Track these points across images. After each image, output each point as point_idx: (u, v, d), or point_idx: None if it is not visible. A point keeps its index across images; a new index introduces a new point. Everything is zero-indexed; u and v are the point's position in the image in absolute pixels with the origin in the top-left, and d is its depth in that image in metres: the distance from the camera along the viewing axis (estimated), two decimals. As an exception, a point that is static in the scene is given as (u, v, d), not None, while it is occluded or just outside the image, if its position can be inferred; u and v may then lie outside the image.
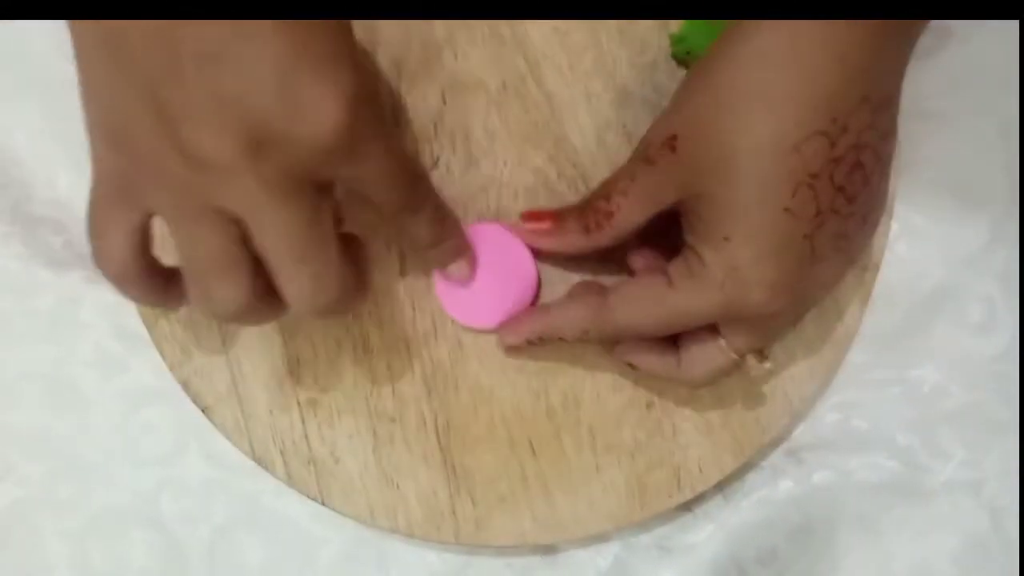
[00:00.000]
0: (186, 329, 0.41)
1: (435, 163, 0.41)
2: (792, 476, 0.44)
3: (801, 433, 0.44)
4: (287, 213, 0.28)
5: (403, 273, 0.41)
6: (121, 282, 0.31)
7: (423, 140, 0.41)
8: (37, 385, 0.45)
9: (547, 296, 0.41)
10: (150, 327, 0.41)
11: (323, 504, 0.41)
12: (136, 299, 0.33)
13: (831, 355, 0.41)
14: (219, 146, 0.27)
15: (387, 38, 0.41)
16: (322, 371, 0.41)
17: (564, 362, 0.41)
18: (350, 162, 0.29)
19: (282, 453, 0.41)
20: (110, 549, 0.44)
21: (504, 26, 0.41)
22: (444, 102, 0.41)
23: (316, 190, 0.29)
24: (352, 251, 0.33)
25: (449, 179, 0.41)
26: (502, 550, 0.43)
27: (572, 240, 0.37)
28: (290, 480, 0.41)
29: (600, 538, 0.43)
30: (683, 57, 0.40)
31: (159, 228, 0.31)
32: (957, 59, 0.45)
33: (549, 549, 0.44)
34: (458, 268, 0.38)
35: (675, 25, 0.41)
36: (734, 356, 0.35)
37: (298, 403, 0.41)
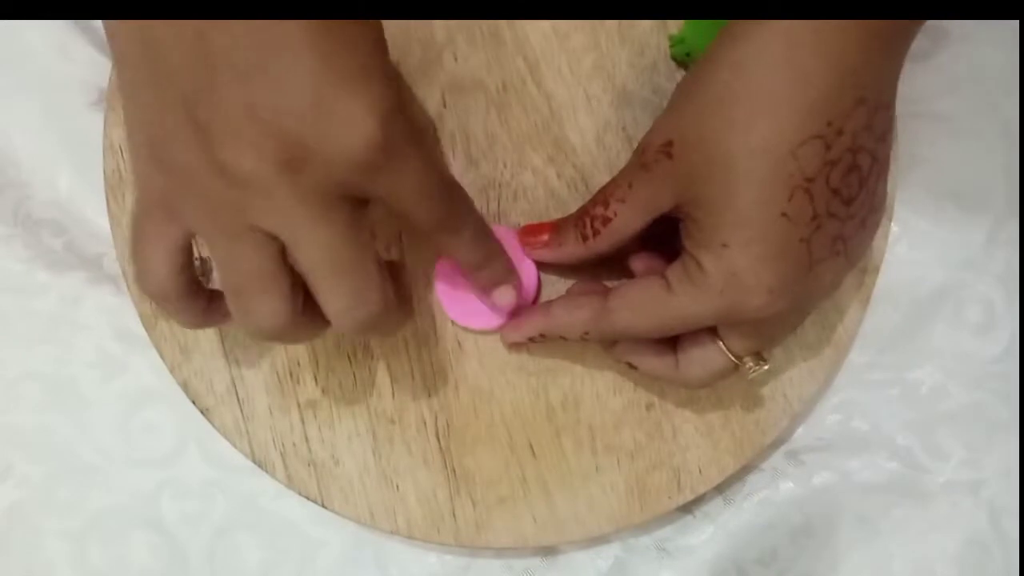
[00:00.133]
0: (185, 330, 0.41)
1: (435, 164, 0.41)
2: (792, 477, 0.44)
3: (801, 434, 0.44)
4: (324, 228, 0.28)
5: (403, 274, 0.41)
6: (161, 300, 0.32)
7: (423, 141, 0.41)
8: (37, 385, 0.45)
9: (547, 298, 0.41)
10: (150, 328, 0.41)
11: (323, 505, 0.41)
12: (177, 317, 0.33)
13: (831, 356, 0.41)
14: (254, 162, 0.27)
15: (387, 39, 0.40)
16: (322, 373, 0.41)
17: (564, 363, 0.41)
18: (386, 177, 0.29)
19: (282, 454, 0.41)
20: (110, 550, 0.44)
21: (504, 28, 0.41)
22: (444, 103, 0.41)
23: (353, 205, 0.29)
24: (393, 272, 0.33)
25: (449, 180, 0.41)
26: (502, 551, 0.43)
27: (571, 250, 0.37)
28: (290, 481, 0.41)
29: (600, 539, 0.43)
30: (682, 58, 0.40)
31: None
32: (957, 60, 0.45)
33: (549, 550, 0.44)
34: (502, 294, 0.37)
35: (674, 26, 0.41)
36: (732, 359, 0.35)
37: (298, 404, 0.41)
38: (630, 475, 0.40)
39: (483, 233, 0.35)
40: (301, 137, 0.27)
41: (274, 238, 0.29)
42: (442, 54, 0.41)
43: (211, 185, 0.28)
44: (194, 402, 0.41)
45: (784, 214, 0.30)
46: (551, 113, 0.41)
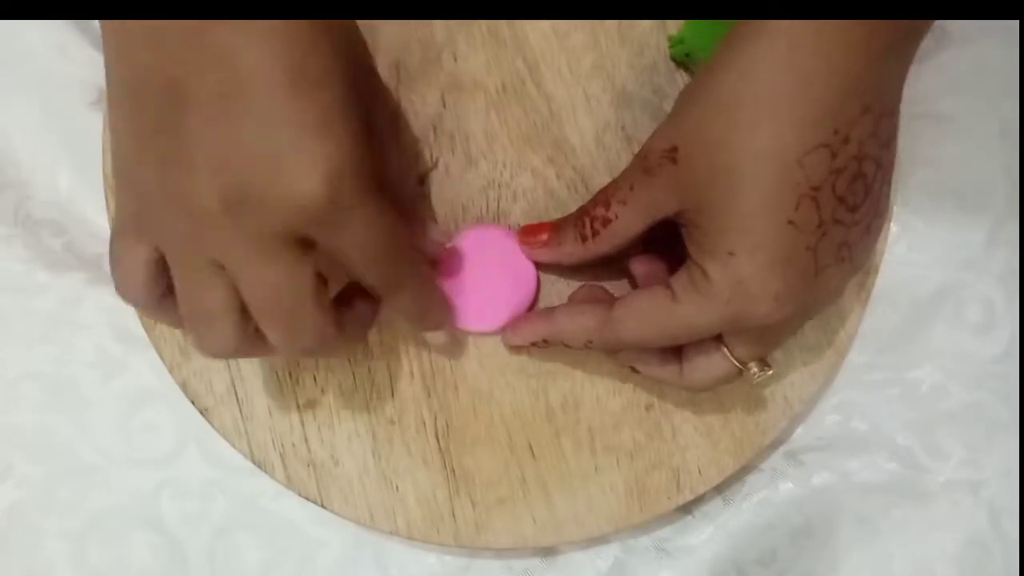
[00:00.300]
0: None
1: (434, 165, 0.41)
2: (792, 477, 0.44)
3: (801, 434, 0.44)
4: (264, 269, 0.29)
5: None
6: (139, 307, 0.33)
7: (422, 142, 0.41)
8: (37, 385, 0.45)
9: (546, 298, 0.41)
10: (149, 328, 0.41)
11: (322, 506, 0.41)
12: (158, 321, 0.34)
13: (831, 356, 0.41)
14: (205, 198, 0.28)
15: (387, 40, 0.41)
16: (321, 373, 0.41)
17: (564, 364, 0.41)
18: (327, 231, 0.29)
19: (281, 455, 0.41)
20: (110, 550, 0.44)
21: (503, 28, 0.41)
22: (443, 104, 0.41)
23: (299, 247, 0.29)
24: (357, 296, 0.34)
25: (448, 181, 0.41)
26: (501, 552, 0.43)
27: (570, 251, 0.37)
28: (289, 482, 0.41)
29: (599, 540, 0.43)
30: (682, 59, 0.40)
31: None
32: (957, 61, 0.45)
33: (548, 551, 0.44)
34: (433, 337, 0.40)
35: (674, 27, 0.41)
36: (737, 365, 0.35)
37: (297, 405, 0.41)
38: (629, 475, 0.40)
39: (422, 289, 0.35)
40: (250, 181, 0.28)
41: (226, 269, 0.30)
42: (442, 54, 0.41)
43: (170, 214, 0.29)
44: (193, 402, 0.41)
45: (790, 222, 0.30)
46: (551, 113, 0.41)
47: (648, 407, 0.40)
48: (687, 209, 0.32)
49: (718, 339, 0.35)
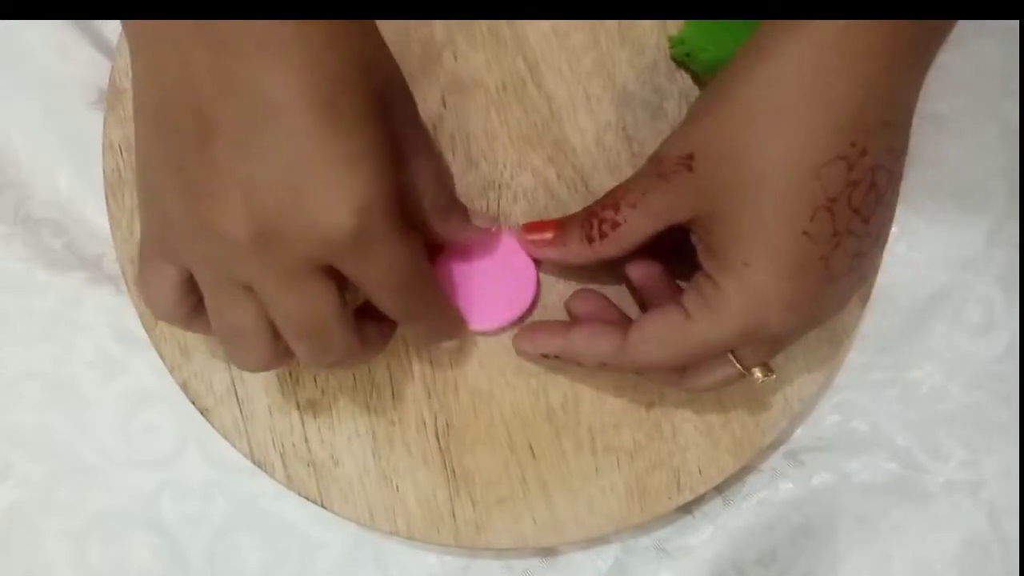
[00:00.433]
0: (186, 331, 0.41)
1: (435, 165, 0.41)
2: (792, 478, 0.44)
3: (801, 435, 0.44)
4: (289, 296, 0.30)
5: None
6: (170, 323, 0.34)
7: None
8: (37, 385, 0.45)
9: (546, 298, 0.41)
10: (149, 328, 0.41)
11: (322, 506, 0.41)
12: (192, 332, 0.34)
13: (831, 357, 0.41)
14: (231, 226, 0.28)
15: (387, 39, 0.40)
16: (321, 373, 0.41)
17: (564, 364, 0.40)
18: (352, 263, 0.29)
19: (281, 455, 0.41)
20: (110, 550, 0.44)
21: (504, 27, 0.41)
22: (444, 104, 0.41)
23: (324, 275, 0.30)
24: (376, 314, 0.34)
25: (449, 181, 0.41)
26: (501, 552, 0.43)
27: (575, 251, 0.37)
28: (289, 482, 0.41)
29: (600, 540, 0.43)
30: (682, 58, 0.40)
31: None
32: (958, 61, 0.45)
33: (549, 551, 0.44)
34: (446, 347, 0.40)
35: (674, 26, 0.41)
36: (742, 370, 0.34)
37: (297, 405, 0.41)
38: (630, 475, 0.40)
39: (440, 319, 0.36)
40: (278, 213, 0.28)
41: (255, 292, 0.30)
42: (442, 54, 0.41)
43: (196, 240, 0.29)
44: (193, 402, 0.41)
45: (806, 232, 0.30)
46: (551, 113, 0.41)
47: (648, 407, 0.40)
48: (700, 216, 0.32)
49: None
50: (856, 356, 0.44)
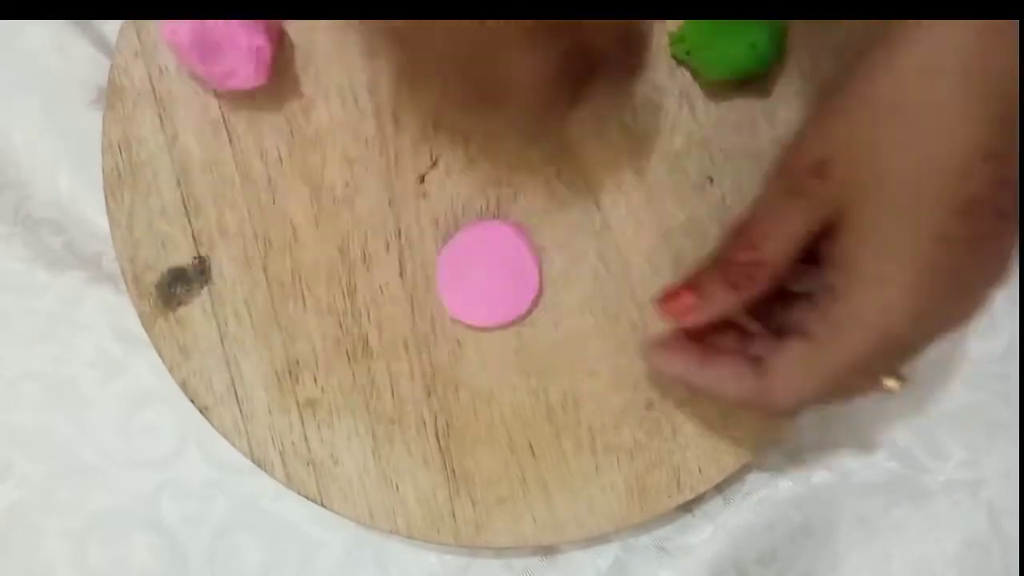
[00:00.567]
0: (184, 330, 0.41)
1: (434, 163, 0.41)
2: (792, 477, 0.44)
3: (801, 434, 0.44)
4: None
5: (403, 273, 0.41)
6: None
7: (422, 140, 0.41)
8: (37, 385, 0.45)
9: (548, 297, 0.40)
10: (149, 328, 0.41)
11: (322, 505, 0.41)
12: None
13: (831, 356, 0.41)
14: None
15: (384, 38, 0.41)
16: (321, 372, 0.41)
17: (564, 364, 0.41)
18: None
19: (281, 454, 0.41)
20: (110, 550, 0.44)
21: (503, 27, 0.41)
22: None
23: None
24: None
25: (449, 179, 0.41)
26: (501, 551, 0.43)
27: (724, 304, 0.33)
28: (289, 481, 0.41)
29: (600, 539, 0.43)
30: (682, 57, 0.40)
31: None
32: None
33: (549, 550, 0.44)
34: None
35: (674, 24, 0.41)
36: (873, 383, 0.33)
37: (297, 404, 0.41)
38: (630, 474, 0.40)
39: None
40: None
41: None
42: (442, 54, 0.41)
43: None
44: (193, 401, 0.41)
45: (949, 235, 0.28)
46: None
47: (648, 406, 0.40)
48: (832, 223, 0.30)
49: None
50: (856, 355, 0.44)
